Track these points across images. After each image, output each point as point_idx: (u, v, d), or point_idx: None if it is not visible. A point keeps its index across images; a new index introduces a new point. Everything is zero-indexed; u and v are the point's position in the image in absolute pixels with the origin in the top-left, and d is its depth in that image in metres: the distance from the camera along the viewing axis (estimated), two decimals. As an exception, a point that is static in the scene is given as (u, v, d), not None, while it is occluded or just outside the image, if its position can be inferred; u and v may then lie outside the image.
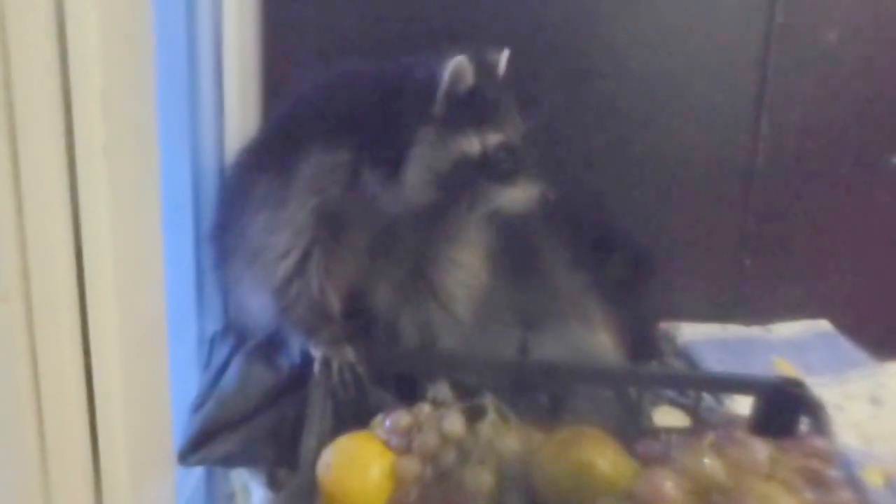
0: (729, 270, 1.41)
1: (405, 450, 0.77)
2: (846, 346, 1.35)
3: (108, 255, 0.64)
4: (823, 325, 1.41)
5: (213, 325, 1.06)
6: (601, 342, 1.12)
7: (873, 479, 0.99)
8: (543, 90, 1.24)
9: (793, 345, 1.36)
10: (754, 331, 1.40)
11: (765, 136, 1.33)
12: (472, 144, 0.85)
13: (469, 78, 0.84)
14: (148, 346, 0.75)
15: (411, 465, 0.76)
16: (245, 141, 1.01)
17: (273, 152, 0.92)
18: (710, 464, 0.61)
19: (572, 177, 1.22)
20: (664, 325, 1.36)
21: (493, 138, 0.86)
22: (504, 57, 0.92)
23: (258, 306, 0.92)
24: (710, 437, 0.67)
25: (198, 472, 0.99)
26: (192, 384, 1.00)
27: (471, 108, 0.85)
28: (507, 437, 0.76)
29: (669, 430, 0.95)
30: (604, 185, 1.34)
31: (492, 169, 0.86)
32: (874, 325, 1.37)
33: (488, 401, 0.81)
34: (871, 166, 1.37)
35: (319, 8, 1.25)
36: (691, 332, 1.36)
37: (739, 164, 1.35)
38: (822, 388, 1.21)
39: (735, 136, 1.34)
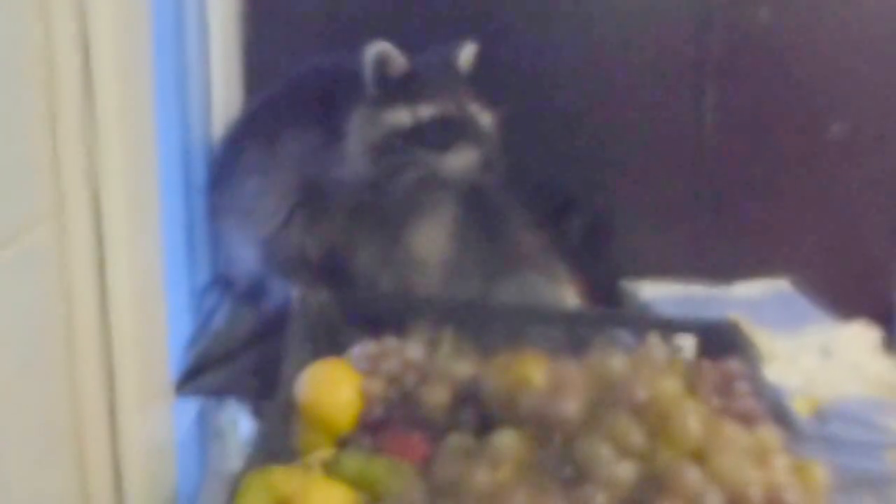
0: (690, 231, 1.47)
1: (372, 373, 0.87)
2: (803, 303, 1.40)
3: (119, 197, 0.75)
4: (782, 284, 1.46)
5: (203, 277, 1.17)
6: (563, 294, 1.21)
7: (802, 408, 1.08)
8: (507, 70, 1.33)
9: (751, 302, 1.40)
10: (715, 290, 1.43)
11: (711, 105, 1.41)
12: (402, 117, 0.98)
13: (398, 62, 0.97)
14: (149, 285, 0.85)
15: (377, 386, 0.86)
16: (234, 114, 1.14)
17: (259, 126, 1.07)
18: (613, 359, 0.71)
19: (533, 144, 1.31)
20: (627, 284, 1.42)
21: (426, 110, 0.98)
22: (468, 50, 1.04)
23: (246, 257, 1.04)
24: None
25: (191, 411, 1.09)
26: (185, 330, 1.09)
27: (403, 87, 0.98)
28: (460, 361, 0.86)
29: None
30: (564, 151, 1.41)
31: (426, 138, 0.97)
32: (833, 285, 1.41)
33: (446, 334, 0.91)
34: (816, 133, 1.44)
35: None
36: (653, 291, 1.40)
37: (689, 131, 1.42)
38: (776, 342, 1.30)
39: (682, 103, 1.42)
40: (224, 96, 1.26)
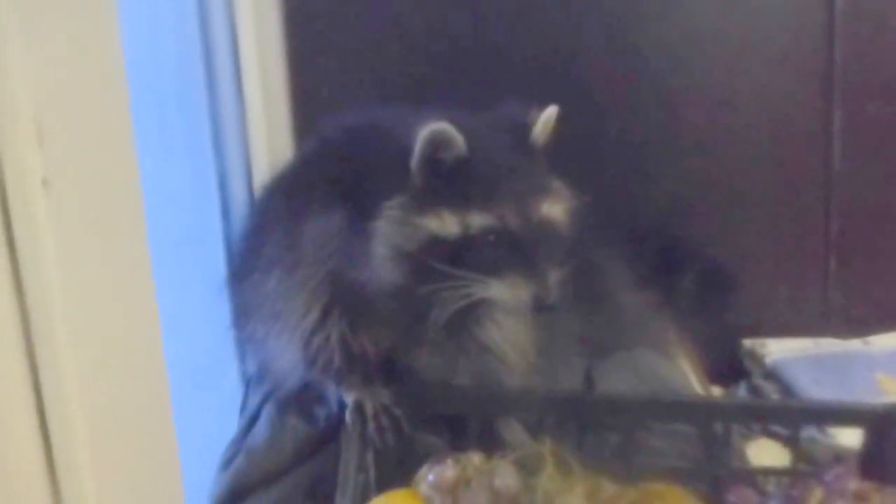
0: (816, 278, 1.30)
1: (451, 509, 0.68)
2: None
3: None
4: (927, 335, 1.29)
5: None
6: (677, 368, 1.02)
7: None
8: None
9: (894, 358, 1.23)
10: (851, 344, 1.28)
11: (838, 131, 1.22)
12: (446, 225, 0.74)
13: (458, 147, 0.74)
14: (151, 441, 0.66)
15: (459, 529, 0.66)
16: (261, 187, 0.97)
17: (282, 206, 0.86)
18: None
19: (638, 188, 1.18)
20: (749, 343, 1.26)
21: (479, 220, 0.74)
22: (546, 116, 0.80)
23: (285, 362, 0.85)
24: (815, 492, 0.55)
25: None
26: (233, 426, 0.92)
27: (456, 182, 0.74)
28: (568, 492, 0.67)
29: (765, 472, 0.85)
30: (673, 194, 1.25)
31: (474, 258, 0.74)
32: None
33: (546, 448, 0.71)
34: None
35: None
36: (780, 349, 1.25)
37: (816, 163, 1.25)
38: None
39: (807, 132, 1.24)
40: (265, 142, 1.11)
